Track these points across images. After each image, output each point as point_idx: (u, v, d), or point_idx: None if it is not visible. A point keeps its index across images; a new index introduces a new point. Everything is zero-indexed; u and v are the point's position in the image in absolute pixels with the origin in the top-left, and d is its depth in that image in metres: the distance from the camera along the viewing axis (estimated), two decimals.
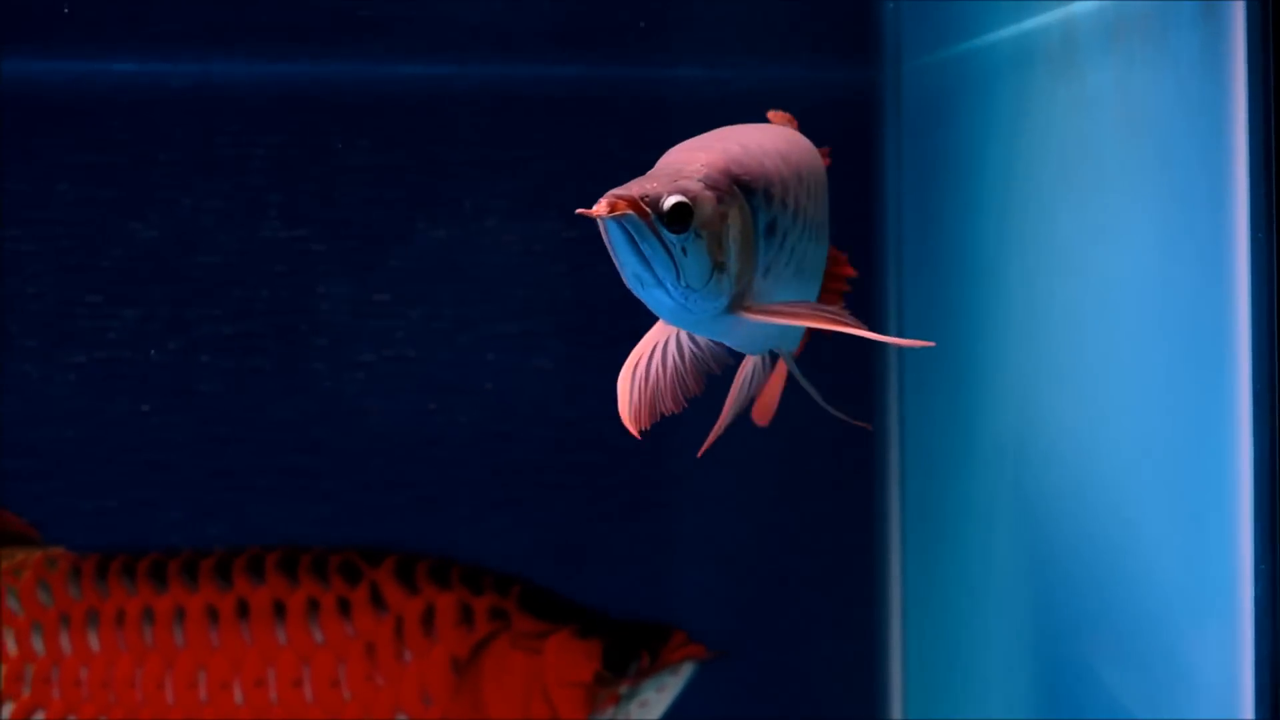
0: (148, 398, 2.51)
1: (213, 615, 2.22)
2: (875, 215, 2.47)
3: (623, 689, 2.20)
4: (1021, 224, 1.86)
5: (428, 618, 2.20)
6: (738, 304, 1.38)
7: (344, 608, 2.21)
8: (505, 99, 2.36)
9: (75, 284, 2.48)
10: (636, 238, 1.32)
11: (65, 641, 2.24)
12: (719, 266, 1.34)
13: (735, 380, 1.52)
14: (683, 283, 1.34)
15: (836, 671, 2.43)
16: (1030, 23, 1.75)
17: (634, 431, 1.39)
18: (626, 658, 2.20)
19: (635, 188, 1.34)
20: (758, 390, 1.54)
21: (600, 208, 1.31)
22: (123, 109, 2.45)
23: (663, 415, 1.41)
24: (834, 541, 2.48)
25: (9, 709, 2.24)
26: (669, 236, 1.32)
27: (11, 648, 2.25)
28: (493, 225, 2.50)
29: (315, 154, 2.45)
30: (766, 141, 1.45)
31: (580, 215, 1.32)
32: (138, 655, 2.23)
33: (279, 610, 2.21)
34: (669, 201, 1.32)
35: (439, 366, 2.53)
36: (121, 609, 2.24)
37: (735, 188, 1.37)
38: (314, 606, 2.22)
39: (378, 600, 2.21)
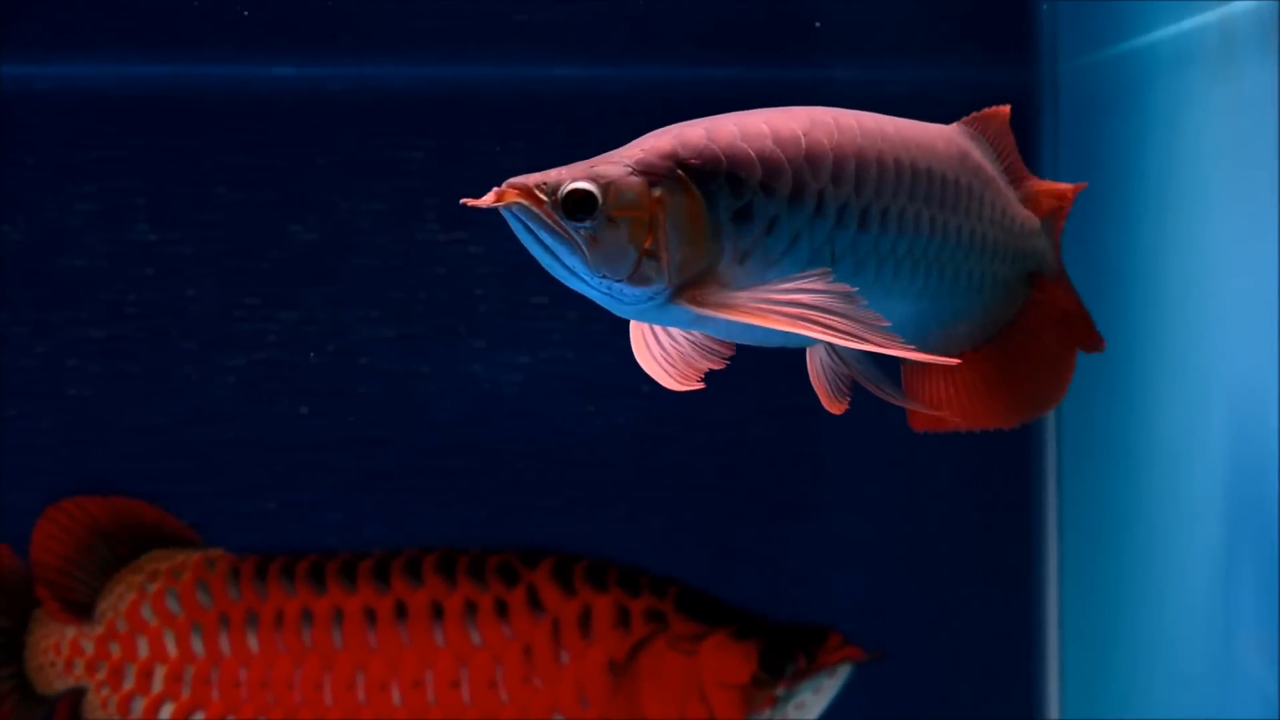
0: (306, 399, 2.69)
1: (370, 617, 2.39)
2: None
3: (779, 691, 2.34)
4: (1179, 224, 1.95)
5: (585, 619, 2.37)
6: (687, 294, 1.44)
7: (501, 609, 2.38)
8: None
9: (234, 287, 2.68)
10: (533, 226, 1.40)
11: (224, 643, 2.43)
12: (648, 254, 1.42)
13: (815, 383, 1.56)
14: (598, 272, 1.42)
15: (993, 673, 2.54)
16: (1188, 23, 1.84)
17: (684, 388, 1.47)
18: (783, 659, 2.34)
19: (536, 175, 1.41)
20: (872, 377, 1.57)
21: (489, 197, 1.40)
22: (282, 112, 2.69)
23: (710, 371, 1.49)
24: (990, 543, 2.59)
25: (169, 709, 2.43)
26: (569, 224, 1.40)
27: (171, 649, 2.44)
28: None
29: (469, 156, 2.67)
30: (782, 125, 1.49)
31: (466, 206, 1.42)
32: (296, 656, 2.41)
33: (437, 612, 2.38)
34: (566, 188, 1.40)
35: (598, 369, 2.69)
36: (280, 610, 2.42)
37: (680, 172, 1.44)
38: (471, 608, 2.38)
39: (535, 602, 2.38)
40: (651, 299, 1.43)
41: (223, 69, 2.67)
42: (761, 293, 1.44)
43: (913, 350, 1.42)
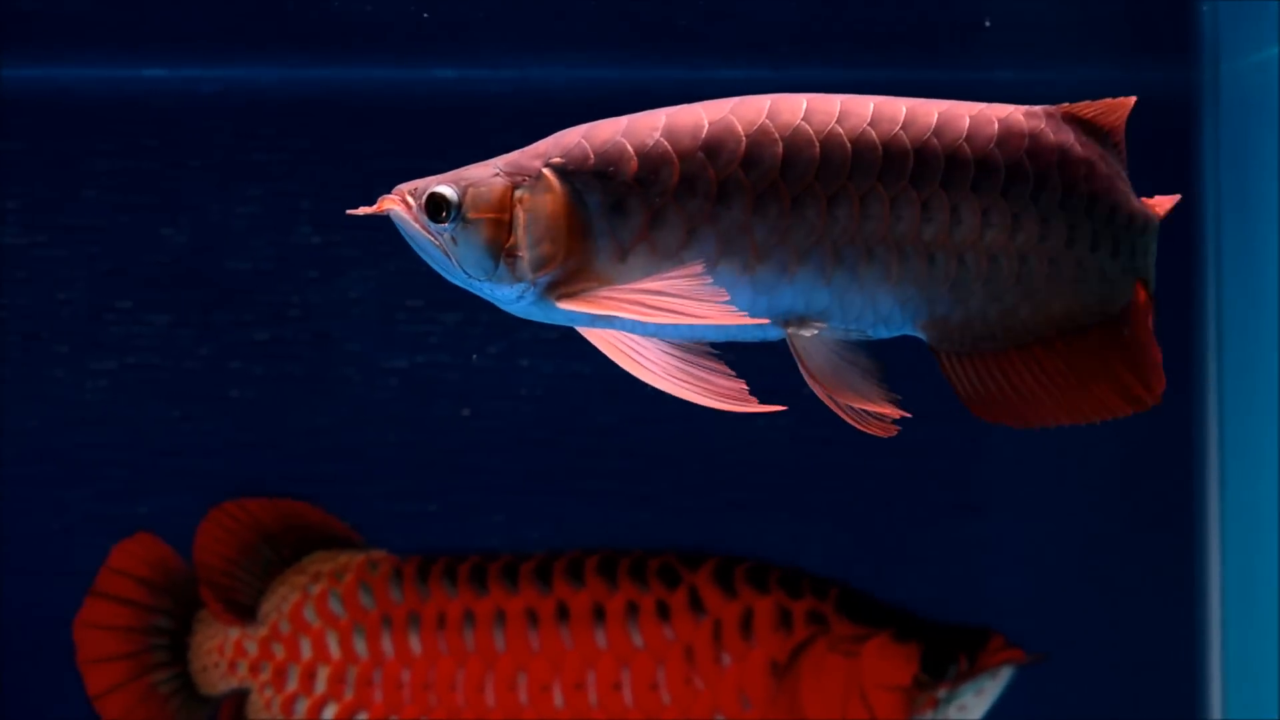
0: (468, 401, 2.85)
1: (532, 618, 2.54)
2: (1194, 217, 2.63)
3: (941, 692, 2.46)
4: None
5: (746, 621, 2.50)
6: (556, 292, 1.56)
7: (663, 611, 2.52)
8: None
9: (397, 289, 2.83)
10: (405, 231, 1.56)
11: (387, 644, 2.58)
12: (509, 253, 1.55)
13: (809, 378, 1.63)
14: (465, 271, 1.57)
15: (1155, 673, 2.63)
16: None
17: (743, 409, 1.56)
18: (945, 661, 2.46)
19: (413, 182, 1.56)
20: (846, 376, 1.62)
21: (377, 205, 1.56)
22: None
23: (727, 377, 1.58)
24: (1152, 543, 2.67)
25: (332, 710, 2.58)
26: (434, 226, 1.56)
27: (334, 650, 2.59)
28: None
29: None
30: (686, 116, 1.58)
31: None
32: (459, 658, 2.55)
33: (598, 613, 2.53)
34: (427, 192, 1.56)
35: (759, 371, 2.83)
36: (442, 612, 2.57)
37: (545, 169, 1.57)
38: (633, 610, 2.52)
39: (696, 604, 2.52)
40: (521, 297, 1.58)
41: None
42: (619, 289, 1.56)
43: (742, 317, 1.52)
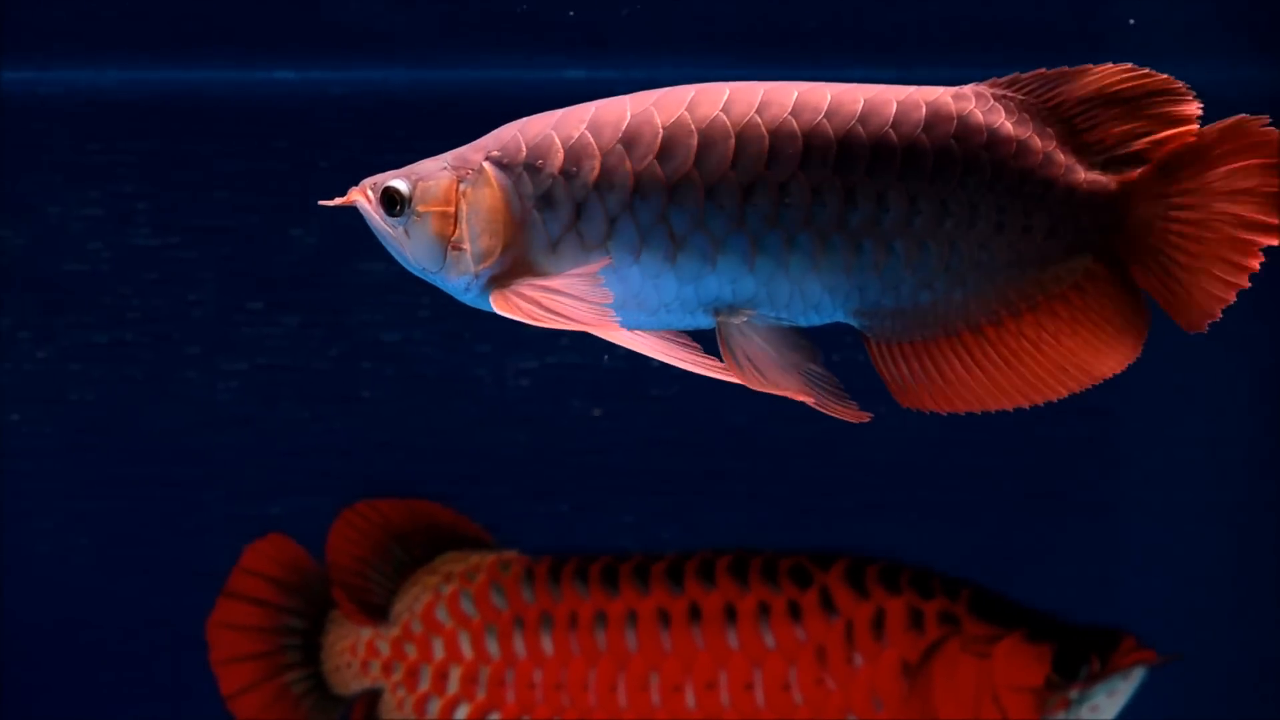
0: (599, 401, 2.98)
1: (664, 618, 2.62)
2: None
3: (1073, 693, 2.52)
4: None
5: (878, 621, 2.58)
6: (497, 285, 1.66)
7: (794, 611, 2.60)
8: None
9: None
10: (368, 224, 1.67)
11: (519, 644, 2.67)
12: (454, 246, 1.66)
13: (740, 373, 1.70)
14: (418, 264, 1.68)
15: None
16: None
17: (807, 400, 1.63)
18: (1077, 662, 2.52)
19: (376, 176, 1.67)
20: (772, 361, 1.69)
21: (345, 198, 1.68)
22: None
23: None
24: None
25: (464, 710, 2.67)
26: (390, 220, 1.67)
27: (466, 650, 2.68)
28: None
29: None
30: (612, 108, 1.66)
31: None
32: (590, 658, 2.64)
33: (730, 614, 2.60)
34: (381, 186, 1.68)
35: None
36: (574, 612, 2.65)
37: (484, 164, 1.67)
38: (765, 610, 2.60)
39: (828, 604, 2.60)
40: (468, 290, 1.69)
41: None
42: (525, 289, 1.66)
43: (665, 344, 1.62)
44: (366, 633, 2.74)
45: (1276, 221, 1.63)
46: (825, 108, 1.67)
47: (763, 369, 1.70)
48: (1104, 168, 1.70)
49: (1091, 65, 1.67)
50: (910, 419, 2.86)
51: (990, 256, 1.67)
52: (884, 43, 2.68)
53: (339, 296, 2.99)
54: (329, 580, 2.75)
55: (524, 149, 1.68)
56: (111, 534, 3.16)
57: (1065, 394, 1.67)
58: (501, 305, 1.67)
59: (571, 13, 2.72)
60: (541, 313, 1.65)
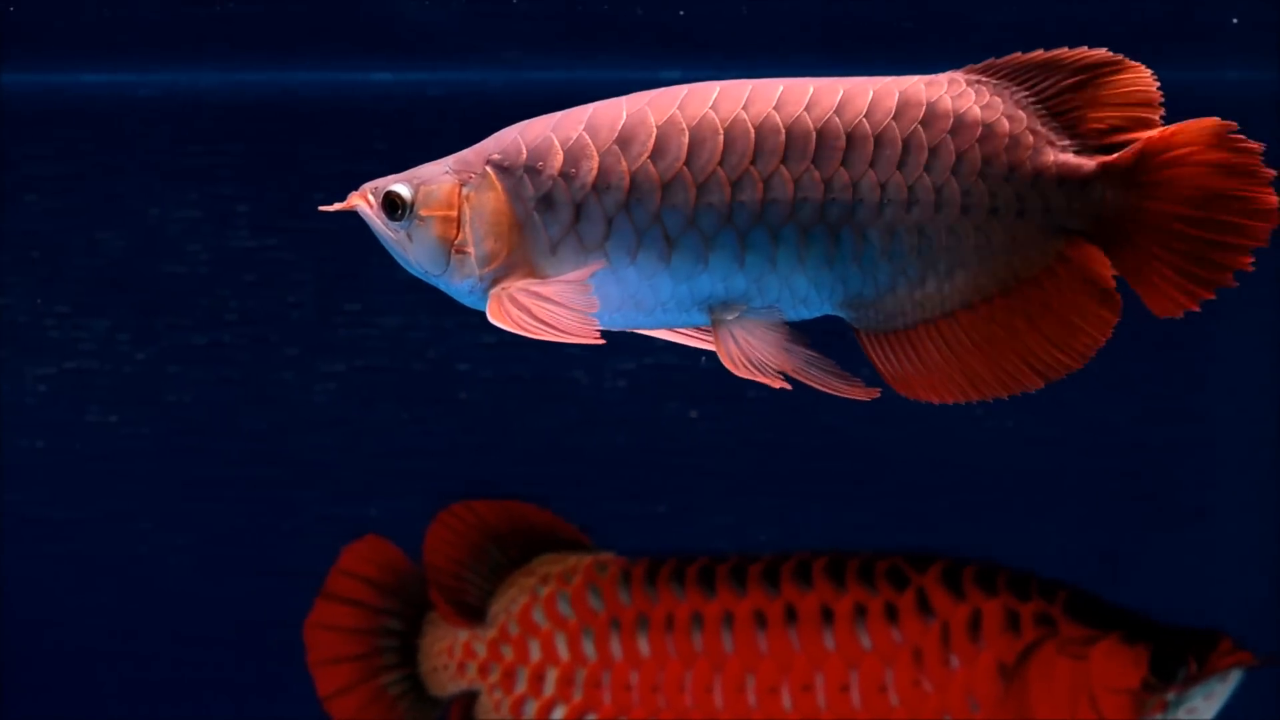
0: (696, 403, 3.03)
1: (760, 620, 2.67)
2: None
3: (1170, 695, 2.56)
4: None
5: (974, 623, 2.62)
6: (498, 287, 1.71)
7: (891, 613, 2.64)
8: None
9: None
10: (371, 228, 1.71)
11: (615, 646, 2.72)
12: (458, 249, 1.71)
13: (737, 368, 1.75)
14: (420, 267, 1.73)
15: None
16: None
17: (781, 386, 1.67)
18: (1174, 664, 2.56)
19: (376, 180, 1.71)
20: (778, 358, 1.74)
21: (346, 202, 1.72)
22: None
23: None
24: None
25: (561, 712, 2.73)
26: (391, 224, 1.72)
27: (563, 652, 2.74)
28: None
29: None
30: (608, 109, 1.70)
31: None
32: (686, 660, 2.69)
33: (826, 615, 2.65)
34: (384, 191, 1.73)
35: None
36: (670, 614, 2.70)
37: (487, 168, 1.72)
38: (861, 612, 2.65)
39: (924, 606, 2.64)
40: (471, 292, 1.74)
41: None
42: (519, 295, 1.71)
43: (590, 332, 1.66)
44: (463, 634, 2.79)
45: (1259, 226, 1.68)
46: (807, 100, 1.73)
47: (753, 359, 1.76)
48: (1081, 150, 1.74)
49: (1067, 50, 1.73)
50: (1007, 421, 2.89)
51: (958, 241, 1.72)
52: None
53: (437, 299, 3.01)
54: (426, 582, 2.80)
55: (524, 152, 1.73)
56: (210, 535, 3.23)
57: (1040, 384, 1.72)
58: (495, 314, 1.72)
59: (682, 12, 2.78)
60: (531, 323, 1.70)
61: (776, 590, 2.69)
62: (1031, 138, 1.73)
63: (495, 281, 1.73)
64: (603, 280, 1.73)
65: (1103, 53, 1.72)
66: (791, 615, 2.68)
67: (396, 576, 2.83)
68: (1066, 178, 1.73)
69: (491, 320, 1.71)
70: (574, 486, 3.04)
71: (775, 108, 1.73)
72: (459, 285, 1.75)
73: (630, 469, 3.07)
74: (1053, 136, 1.74)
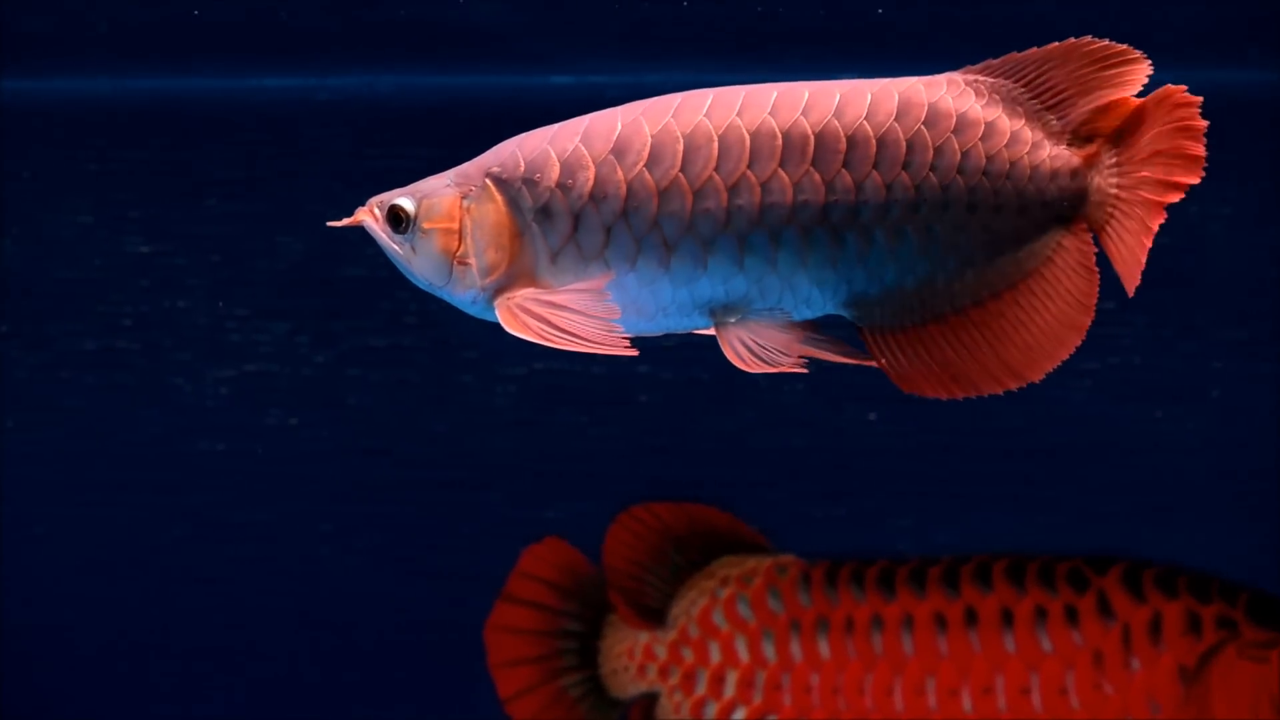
0: (875, 405, 3.11)
1: (941, 623, 2.75)
2: None
3: None
4: None
5: (1155, 626, 2.68)
6: (501, 298, 1.78)
7: (1071, 616, 2.70)
8: None
9: None
10: (377, 242, 1.79)
11: (795, 648, 2.80)
12: (460, 261, 1.79)
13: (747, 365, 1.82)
14: (424, 279, 1.80)
15: None
16: None
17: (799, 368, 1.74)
18: None
19: (382, 195, 1.78)
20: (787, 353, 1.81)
21: (353, 217, 1.80)
22: None
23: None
24: None
25: (741, 713, 2.82)
26: (396, 237, 1.80)
27: (743, 654, 2.82)
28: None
29: None
30: (604, 119, 1.77)
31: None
32: (867, 662, 2.77)
33: (1006, 618, 2.72)
34: (388, 205, 1.81)
35: (1162, 374, 2.99)
36: (850, 616, 2.78)
37: (486, 180, 1.80)
38: (1041, 615, 2.71)
39: (1105, 608, 2.70)
40: (474, 303, 1.82)
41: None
42: (533, 304, 1.79)
43: (621, 344, 1.72)
44: (643, 636, 2.89)
45: (1182, 180, 1.78)
46: (802, 105, 1.81)
47: (761, 354, 1.83)
48: (1072, 142, 1.83)
49: (1056, 44, 1.82)
50: (1188, 424, 2.94)
51: (967, 239, 1.82)
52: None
53: None
54: (606, 584, 2.90)
55: (522, 164, 1.83)
56: (391, 538, 3.34)
57: (1043, 374, 1.83)
58: (511, 323, 1.80)
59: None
60: (552, 332, 1.78)
61: (957, 592, 2.77)
62: (1029, 133, 1.83)
63: (499, 292, 1.82)
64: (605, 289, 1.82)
65: (1102, 43, 1.82)
66: (972, 617, 2.75)
67: (576, 579, 2.93)
68: (1059, 171, 1.83)
69: (509, 330, 1.79)
70: (754, 488, 3.12)
71: (770, 113, 1.81)
72: (462, 296, 1.84)
73: (810, 471, 3.14)
74: (1048, 131, 1.83)
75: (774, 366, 1.82)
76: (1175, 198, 1.78)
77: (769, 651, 2.84)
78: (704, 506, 2.91)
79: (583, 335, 1.78)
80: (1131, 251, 1.81)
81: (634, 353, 1.77)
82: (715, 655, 2.86)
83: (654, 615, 2.91)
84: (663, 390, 3.19)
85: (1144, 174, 1.80)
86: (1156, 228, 1.79)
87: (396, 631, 3.36)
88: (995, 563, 2.78)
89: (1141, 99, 1.82)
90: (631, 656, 2.90)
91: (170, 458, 3.36)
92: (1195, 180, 1.78)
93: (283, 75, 3.26)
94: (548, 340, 1.79)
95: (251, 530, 3.36)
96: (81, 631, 3.39)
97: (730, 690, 2.85)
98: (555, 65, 3.13)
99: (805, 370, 1.83)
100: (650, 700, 2.90)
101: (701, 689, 2.87)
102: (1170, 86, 1.80)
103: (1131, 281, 1.80)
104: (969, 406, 3.06)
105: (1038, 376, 1.85)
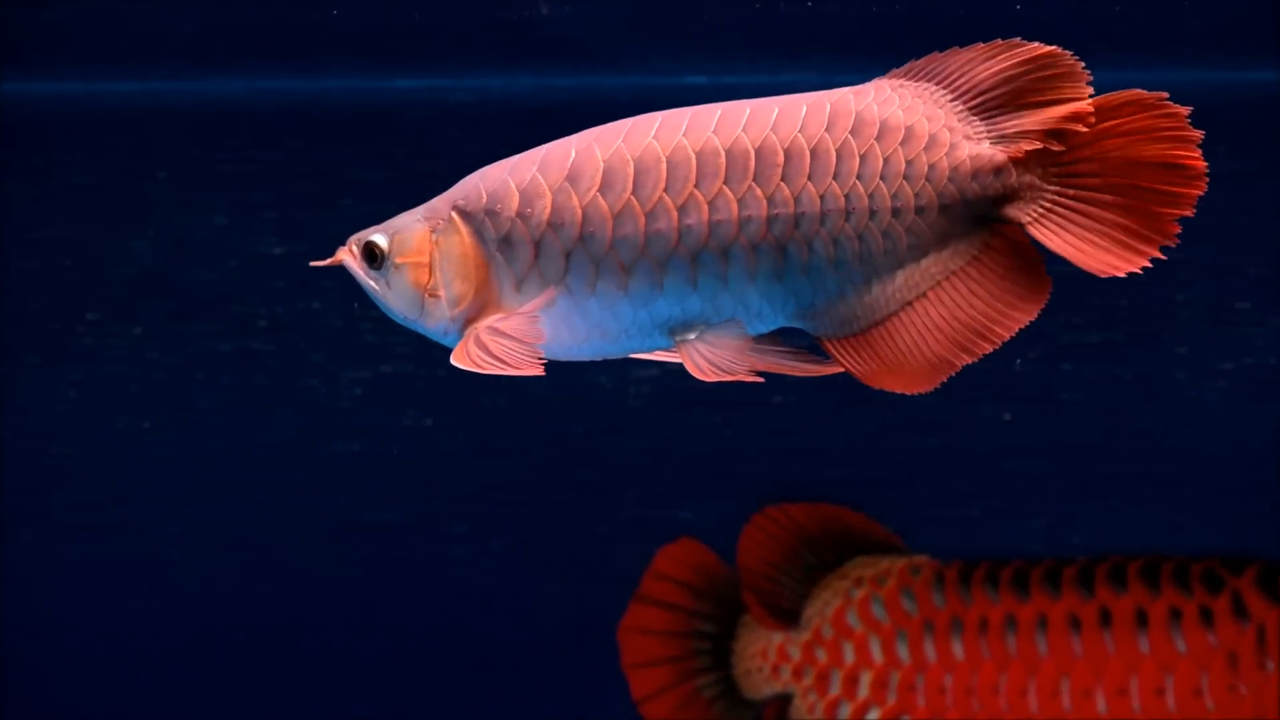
0: (1009, 405, 3.16)
1: (1075, 624, 2.79)
2: None
3: None
4: None
5: None
6: (471, 327, 1.85)
7: (1206, 617, 2.75)
8: None
9: None
10: (356, 279, 1.86)
11: (930, 649, 2.86)
12: (430, 293, 1.86)
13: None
14: (399, 314, 1.87)
15: None
16: None
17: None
18: None
19: (359, 233, 1.86)
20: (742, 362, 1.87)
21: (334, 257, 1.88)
22: None
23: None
24: None
25: (875, 714, 2.88)
26: (373, 273, 1.87)
27: (877, 655, 2.88)
28: None
29: None
30: (560, 147, 1.86)
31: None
32: (1001, 663, 2.82)
33: (1141, 619, 2.76)
34: (362, 242, 1.89)
35: None
36: (984, 617, 2.83)
37: (452, 212, 1.87)
38: (1176, 615, 2.75)
39: (1240, 609, 2.75)
40: (446, 334, 1.89)
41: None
42: (481, 336, 1.85)
43: (532, 364, 1.80)
44: (777, 637, 2.95)
45: (1189, 191, 1.85)
46: (743, 121, 1.89)
47: (719, 364, 1.91)
48: (997, 140, 1.89)
49: (980, 44, 1.89)
50: None
51: (894, 243, 1.90)
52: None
53: None
54: (740, 584, 2.96)
55: (484, 195, 1.89)
56: (524, 538, 3.41)
57: (986, 351, 1.91)
58: (457, 356, 1.88)
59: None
60: (486, 359, 1.86)
61: (1091, 593, 2.81)
62: (947, 134, 1.90)
63: (468, 322, 1.90)
64: (568, 313, 1.91)
65: (1030, 45, 1.88)
66: (1106, 618, 2.80)
67: (710, 579, 2.99)
68: (980, 170, 1.90)
69: (453, 362, 1.87)
70: (887, 489, 3.18)
71: (714, 131, 1.89)
72: (434, 328, 1.91)
73: (944, 471, 3.20)
74: (969, 131, 1.90)
75: (730, 375, 1.90)
76: (1184, 212, 1.85)
77: (903, 652, 2.90)
78: (837, 507, 2.97)
79: (508, 361, 1.87)
80: (1074, 246, 1.88)
81: (542, 374, 1.85)
82: (849, 656, 2.92)
83: (788, 616, 2.97)
84: (796, 390, 3.24)
85: (1132, 181, 1.87)
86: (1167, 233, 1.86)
87: (530, 632, 3.43)
88: (1130, 563, 2.82)
89: (1094, 100, 1.87)
90: (765, 657, 2.96)
91: (305, 459, 3.45)
92: (1200, 192, 1.85)
93: (418, 76, 3.35)
94: (480, 368, 1.87)
95: (386, 531, 3.45)
96: (221, 634, 3.50)
97: (864, 691, 2.91)
98: (689, 65, 3.21)
99: (761, 380, 1.90)
100: (784, 701, 2.96)
101: (835, 690, 2.93)
102: (1141, 91, 1.86)
103: (1099, 269, 1.87)
104: (1104, 407, 3.16)
105: (972, 357, 1.94)
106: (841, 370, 1.96)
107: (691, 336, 1.91)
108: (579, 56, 3.22)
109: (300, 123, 3.41)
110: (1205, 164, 1.83)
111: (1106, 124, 1.88)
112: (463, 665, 3.45)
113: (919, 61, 1.93)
